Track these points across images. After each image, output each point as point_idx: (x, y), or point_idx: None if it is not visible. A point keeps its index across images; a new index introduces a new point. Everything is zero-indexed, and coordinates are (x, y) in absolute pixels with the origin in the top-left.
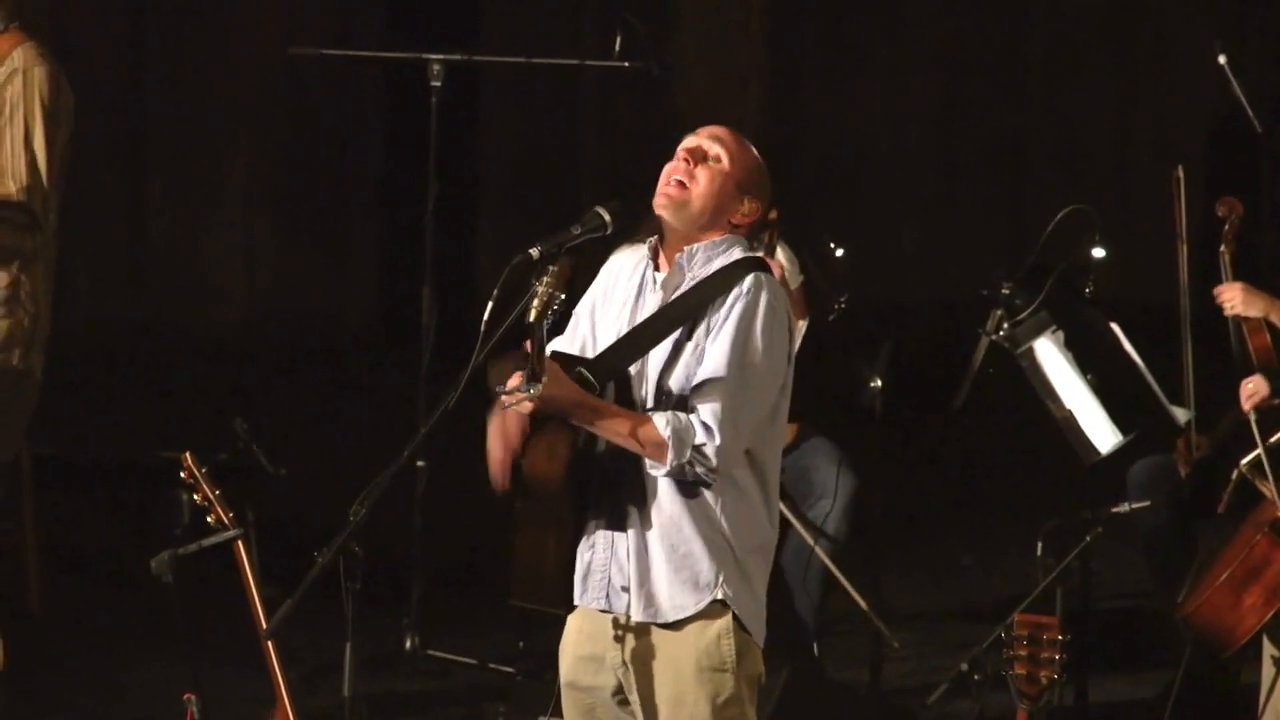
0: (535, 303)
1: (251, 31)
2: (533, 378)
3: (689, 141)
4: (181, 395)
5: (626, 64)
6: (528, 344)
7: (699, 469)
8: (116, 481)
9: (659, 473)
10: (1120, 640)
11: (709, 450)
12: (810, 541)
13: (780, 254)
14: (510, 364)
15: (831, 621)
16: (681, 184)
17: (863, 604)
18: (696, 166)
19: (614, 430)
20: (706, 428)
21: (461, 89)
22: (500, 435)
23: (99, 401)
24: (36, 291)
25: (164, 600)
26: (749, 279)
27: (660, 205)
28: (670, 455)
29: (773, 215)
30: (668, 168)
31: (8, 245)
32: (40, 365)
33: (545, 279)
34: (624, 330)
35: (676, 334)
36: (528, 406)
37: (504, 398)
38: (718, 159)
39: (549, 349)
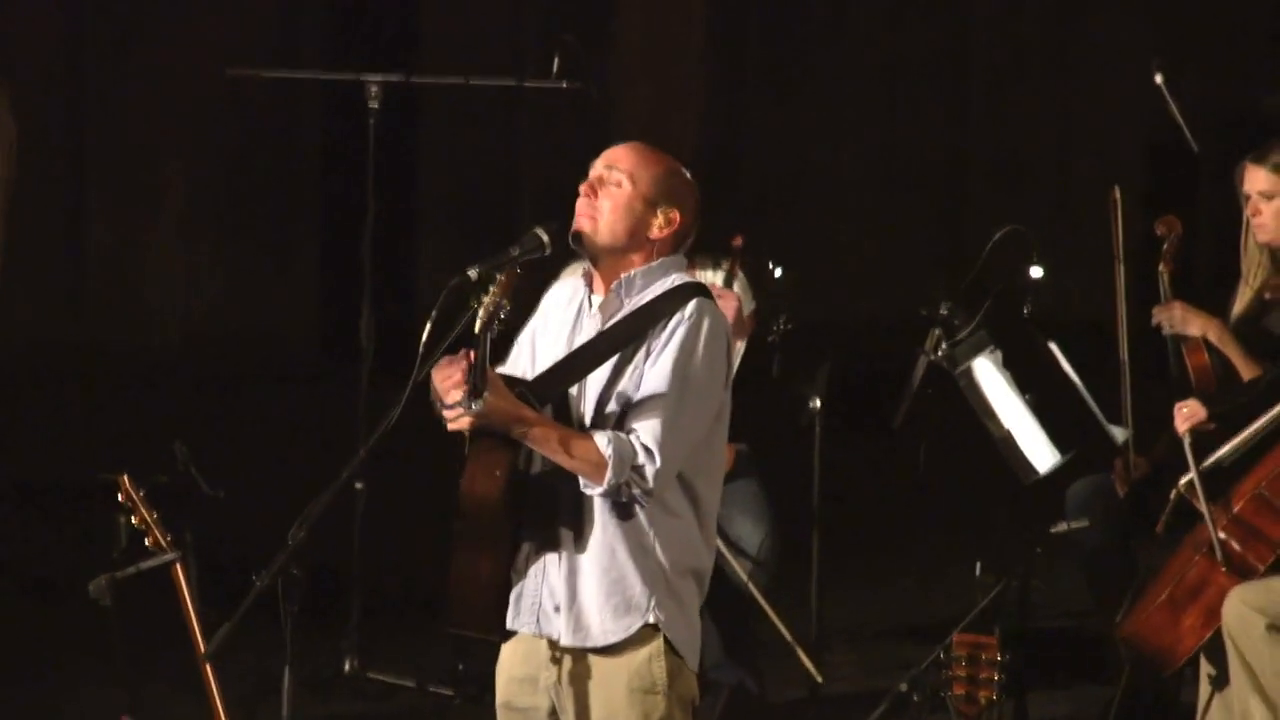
0: (480, 313)
1: (189, 52)
2: (474, 393)
3: (592, 172)
4: (119, 416)
5: (565, 84)
6: (471, 355)
7: (635, 490)
8: (53, 504)
9: (594, 492)
10: (1059, 660)
11: (648, 472)
12: (743, 576)
13: (736, 285)
14: (451, 368)
15: (770, 643)
16: (589, 218)
17: (788, 635)
18: (599, 197)
19: (554, 446)
20: (647, 449)
21: (400, 109)
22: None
23: (36, 423)
24: None
25: (102, 623)
26: (692, 304)
27: (574, 245)
28: (609, 474)
29: (736, 242)
30: (578, 204)
31: None
32: None
33: (491, 289)
34: (562, 355)
35: (616, 357)
36: (467, 421)
37: (445, 412)
38: (618, 183)
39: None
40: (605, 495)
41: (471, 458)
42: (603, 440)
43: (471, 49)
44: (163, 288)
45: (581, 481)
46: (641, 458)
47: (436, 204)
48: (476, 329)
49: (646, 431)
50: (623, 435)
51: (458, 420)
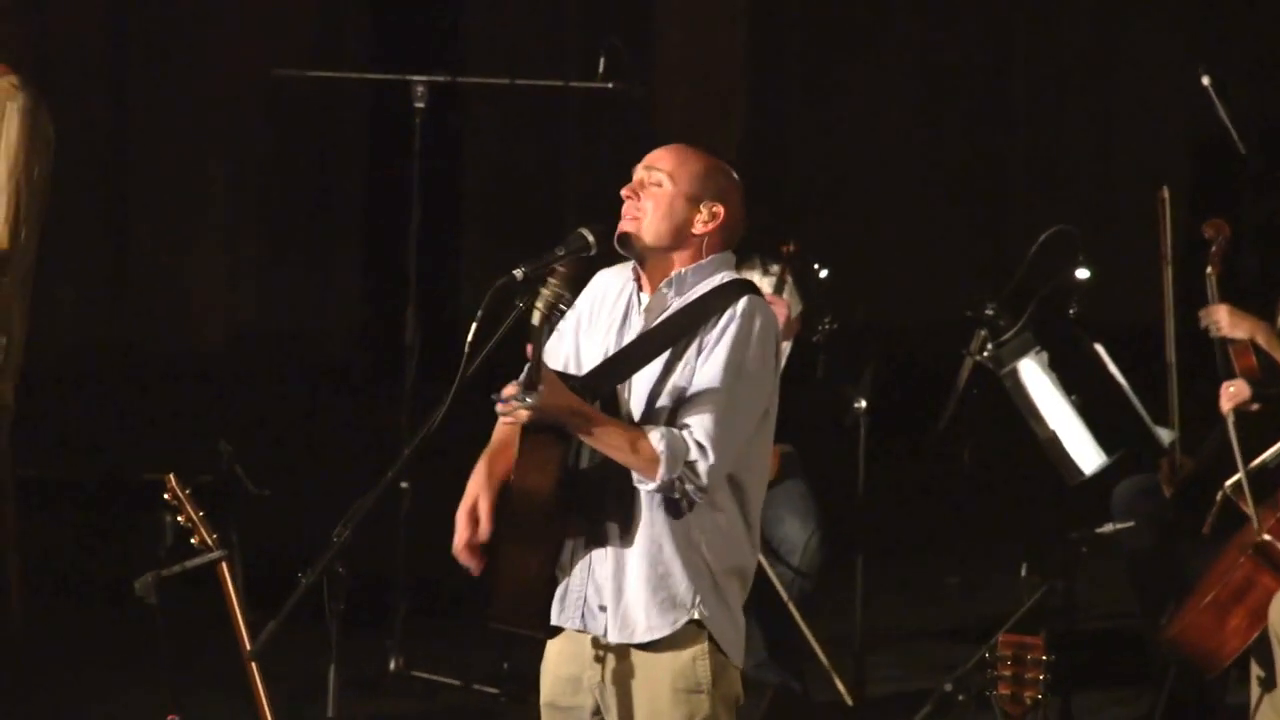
0: (539, 306)
1: (234, 52)
2: (530, 385)
3: (634, 175)
4: (164, 416)
5: (609, 85)
6: (529, 349)
7: (688, 485)
8: (100, 502)
9: (647, 488)
10: (1104, 661)
11: (701, 468)
12: (779, 586)
13: (785, 291)
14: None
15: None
16: (633, 219)
17: (824, 660)
18: (641, 199)
19: (608, 441)
20: (700, 445)
21: (445, 110)
22: (468, 513)
23: (82, 422)
24: (11, 322)
25: (148, 622)
26: (743, 301)
27: (621, 248)
28: (662, 469)
29: (791, 248)
30: (623, 208)
31: None
32: (11, 394)
33: (551, 281)
34: (611, 351)
35: (666, 354)
36: (524, 415)
37: (500, 405)
38: (658, 183)
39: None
40: (658, 491)
41: (522, 452)
42: (655, 436)
43: (515, 50)
44: (207, 289)
45: (635, 477)
46: (694, 453)
47: (481, 204)
48: (535, 322)
49: (699, 427)
50: (676, 431)
51: (513, 414)
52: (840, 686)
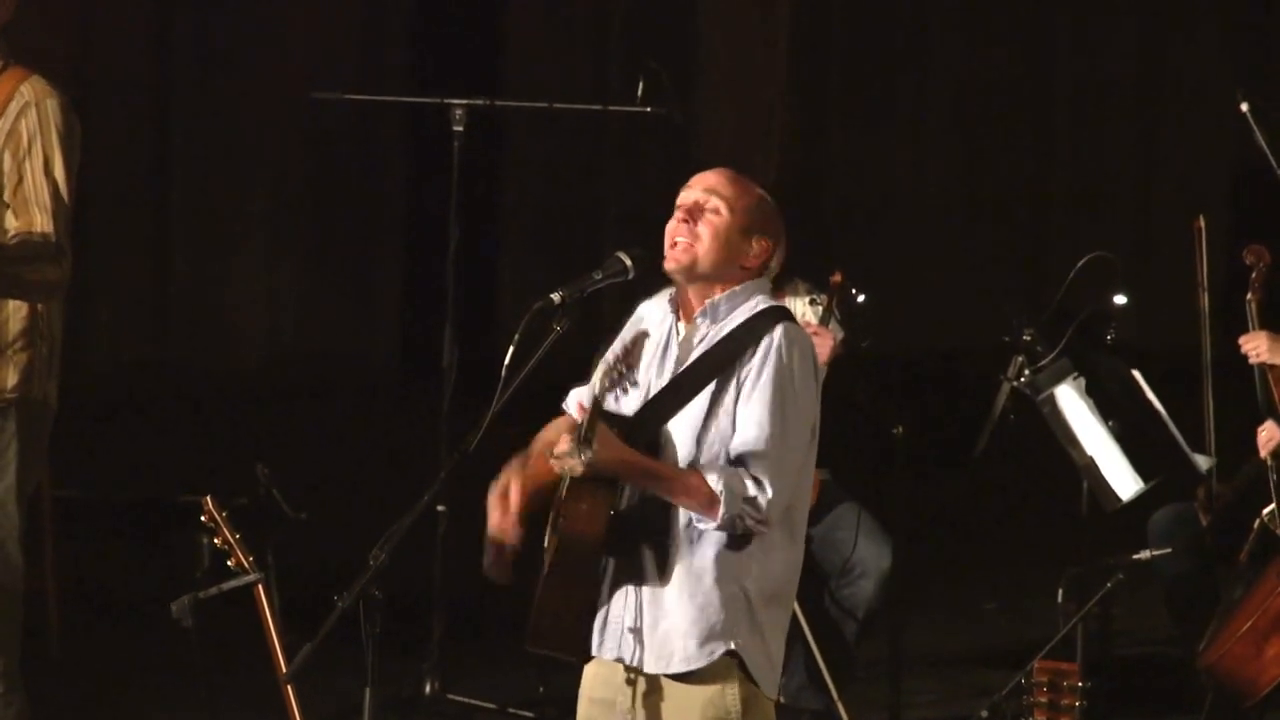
0: (601, 374)
1: (275, 74)
2: (583, 442)
3: (685, 197)
4: (203, 437)
5: (649, 110)
6: (581, 407)
7: (749, 521)
8: (137, 524)
9: (709, 527)
10: (1141, 688)
11: (760, 503)
12: (802, 618)
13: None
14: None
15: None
16: (685, 244)
17: (827, 675)
18: (697, 223)
19: (665, 488)
20: (756, 480)
21: (485, 132)
22: (500, 496)
23: (120, 443)
24: (53, 322)
25: (184, 644)
26: (778, 331)
27: (670, 269)
28: (722, 509)
29: (835, 279)
30: (670, 227)
31: (37, 278)
32: (55, 395)
33: (620, 361)
34: (651, 384)
35: (707, 389)
36: (578, 470)
37: (553, 462)
38: (716, 210)
39: (574, 396)
40: (720, 530)
41: (572, 495)
42: (712, 476)
43: (556, 74)
44: (247, 309)
45: (695, 517)
46: (752, 489)
47: (519, 227)
48: (597, 390)
49: (754, 463)
50: (731, 469)
51: (568, 469)
52: (842, 711)
